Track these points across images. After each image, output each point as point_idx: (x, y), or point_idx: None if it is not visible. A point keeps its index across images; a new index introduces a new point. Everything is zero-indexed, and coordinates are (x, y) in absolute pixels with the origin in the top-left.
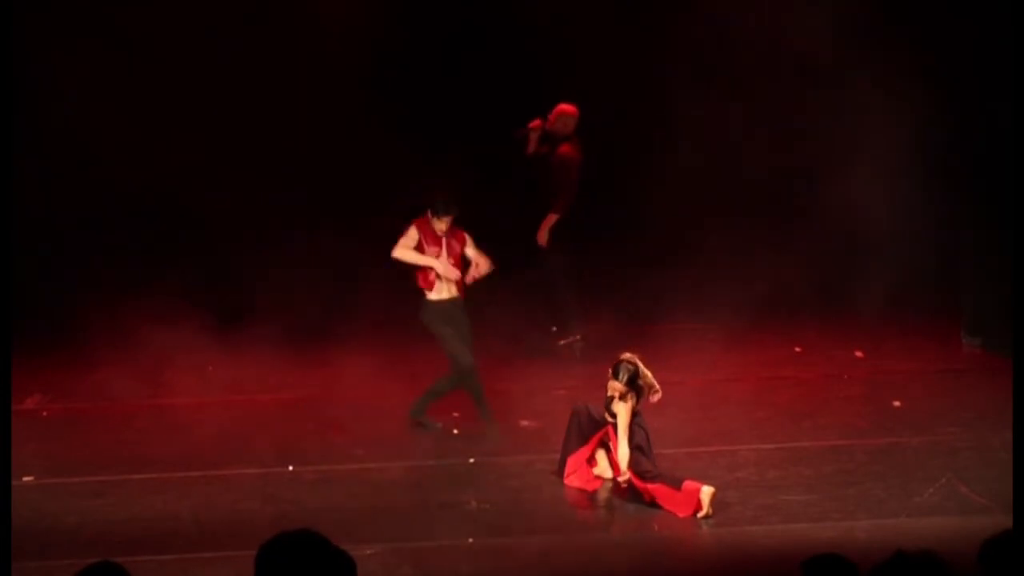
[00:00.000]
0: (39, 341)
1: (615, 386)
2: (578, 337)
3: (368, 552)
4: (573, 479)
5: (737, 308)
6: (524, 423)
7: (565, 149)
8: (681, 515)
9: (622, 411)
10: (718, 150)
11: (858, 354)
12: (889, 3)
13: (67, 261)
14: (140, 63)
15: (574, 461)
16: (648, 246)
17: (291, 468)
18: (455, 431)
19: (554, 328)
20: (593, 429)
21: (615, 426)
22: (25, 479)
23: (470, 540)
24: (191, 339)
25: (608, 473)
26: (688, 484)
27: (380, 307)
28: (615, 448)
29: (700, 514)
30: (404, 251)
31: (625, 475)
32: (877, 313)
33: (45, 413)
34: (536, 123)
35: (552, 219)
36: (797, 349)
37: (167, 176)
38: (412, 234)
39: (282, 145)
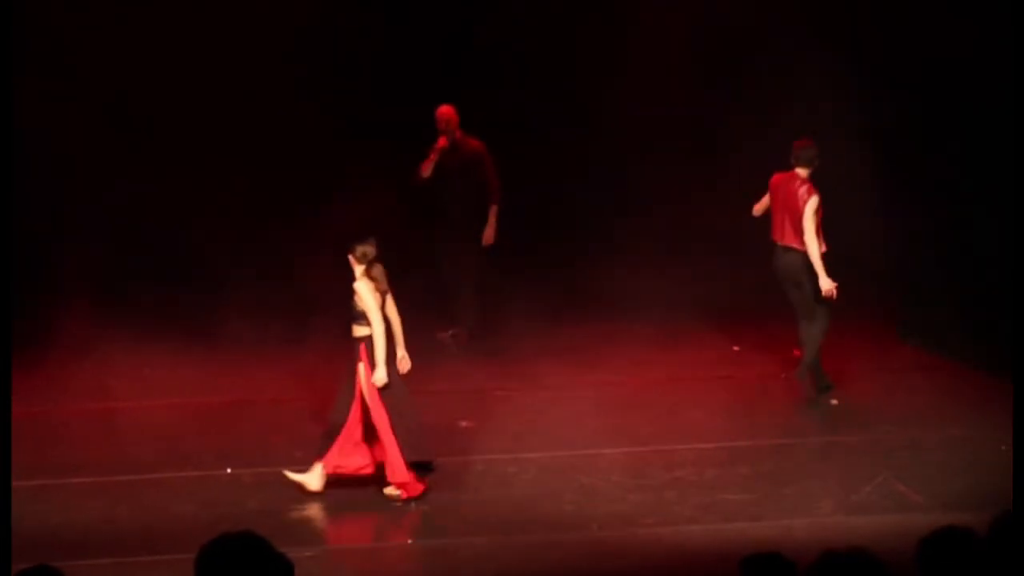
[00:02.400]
0: None
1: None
2: (461, 331)
3: (307, 554)
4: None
5: (674, 307)
6: (463, 424)
7: (474, 143)
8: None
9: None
10: (654, 144)
11: (796, 353)
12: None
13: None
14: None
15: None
16: (582, 243)
17: (229, 471)
18: None
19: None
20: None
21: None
22: None
23: (409, 541)
24: (130, 342)
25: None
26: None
27: (319, 308)
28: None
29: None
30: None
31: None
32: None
33: None
34: (442, 142)
35: (496, 212)
36: (735, 348)
37: (133, 180)
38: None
39: (233, 146)
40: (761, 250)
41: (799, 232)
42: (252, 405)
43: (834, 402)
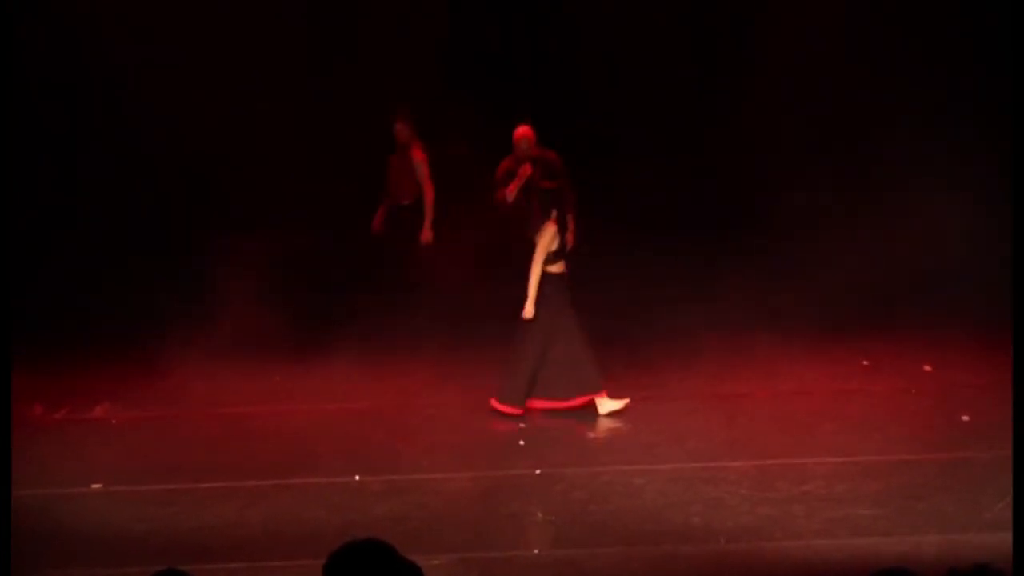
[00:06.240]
0: (110, 348)
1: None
2: None
3: (435, 562)
4: None
5: (803, 319)
6: (591, 435)
7: (551, 156)
8: None
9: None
10: (779, 159)
11: (927, 368)
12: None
13: (144, 267)
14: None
15: None
16: (711, 255)
17: (358, 478)
18: (521, 442)
19: None
20: None
21: None
22: (93, 487)
23: (536, 551)
24: (260, 348)
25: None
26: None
27: (444, 317)
28: None
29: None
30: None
31: None
32: (945, 325)
33: (114, 421)
34: (527, 169)
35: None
36: (865, 362)
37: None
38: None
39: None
40: (893, 263)
41: None
42: (379, 412)
43: (965, 418)
